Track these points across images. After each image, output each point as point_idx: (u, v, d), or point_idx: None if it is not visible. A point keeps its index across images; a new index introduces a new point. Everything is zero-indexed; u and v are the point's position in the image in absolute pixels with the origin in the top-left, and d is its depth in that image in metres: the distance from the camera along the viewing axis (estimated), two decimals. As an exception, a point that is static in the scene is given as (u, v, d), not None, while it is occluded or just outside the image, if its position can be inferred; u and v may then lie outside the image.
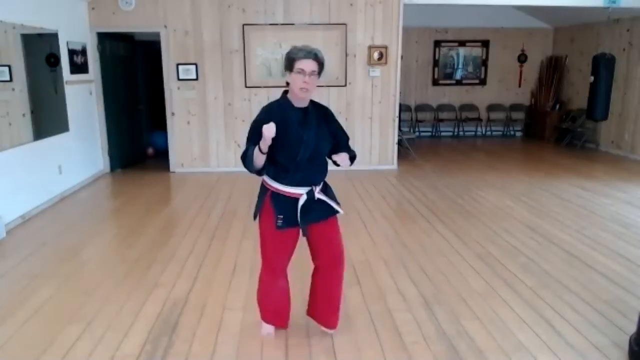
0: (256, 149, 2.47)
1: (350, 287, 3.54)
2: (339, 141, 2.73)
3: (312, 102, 2.65)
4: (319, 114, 2.65)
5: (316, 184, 2.64)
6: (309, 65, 2.47)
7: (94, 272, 3.87)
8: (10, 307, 3.26)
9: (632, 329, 2.74)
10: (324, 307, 2.87)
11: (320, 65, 2.52)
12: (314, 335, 2.89)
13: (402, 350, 2.75)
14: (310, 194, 2.60)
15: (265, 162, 2.52)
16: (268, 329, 2.90)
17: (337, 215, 2.76)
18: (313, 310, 2.92)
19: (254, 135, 2.50)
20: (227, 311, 3.20)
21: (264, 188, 2.68)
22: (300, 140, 2.52)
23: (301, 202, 2.59)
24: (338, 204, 2.74)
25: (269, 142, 2.40)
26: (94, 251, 4.32)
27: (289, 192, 2.59)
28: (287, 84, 2.56)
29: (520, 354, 2.71)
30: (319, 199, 2.64)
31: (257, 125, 2.50)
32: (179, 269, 3.87)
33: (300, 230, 2.65)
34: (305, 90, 2.49)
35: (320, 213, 2.67)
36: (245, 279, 3.67)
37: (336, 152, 2.68)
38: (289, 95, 2.59)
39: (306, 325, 2.97)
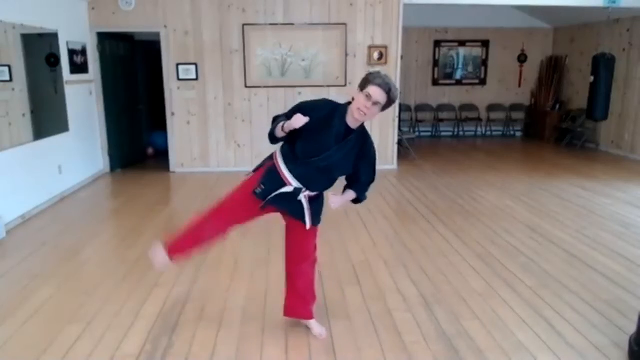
0: (280, 125, 2.51)
1: (350, 287, 3.54)
2: (360, 176, 2.70)
3: (363, 128, 2.63)
4: (360, 141, 2.61)
5: (310, 190, 2.65)
6: (378, 95, 2.45)
7: (94, 272, 3.88)
8: (10, 307, 3.26)
9: (632, 329, 2.74)
10: (292, 298, 2.91)
11: (389, 101, 2.49)
12: (314, 336, 2.89)
13: (402, 350, 2.75)
14: (297, 191, 2.62)
15: (285, 139, 2.58)
16: (165, 259, 2.79)
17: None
18: (287, 306, 2.95)
19: (292, 113, 2.54)
20: (227, 311, 3.20)
21: (270, 158, 2.72)
22: (326, 149, 2.52)
23: (285, 189, 2.61)
24: (317, 218, 2.74)
25: (291, 128, 2.44)
26: (94, 251, 4.32)
27: (283, 175, 2.61)
28: (353, 99, 2.53)
29: (520, 354, 2.71)
30: (300, 201, 2.65)
31: (299, 108, 2.55)
32: (179, 269, 3.87)
33: (261, 205, 2.65)
34: (361, 114, 2.48)
35: (293, 209, 2.68)
36: (245, 279, 3.67)
37: (353, 182, 2.72)
38: (349, 108, 2.56)
39: (306, 325, 2.97)
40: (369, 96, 2.45)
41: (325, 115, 2.53)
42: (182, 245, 2.82)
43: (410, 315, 3.13)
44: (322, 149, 2.52)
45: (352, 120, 2.54)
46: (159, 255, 2.79)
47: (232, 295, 3.42)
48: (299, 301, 2.91)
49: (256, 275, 3.75)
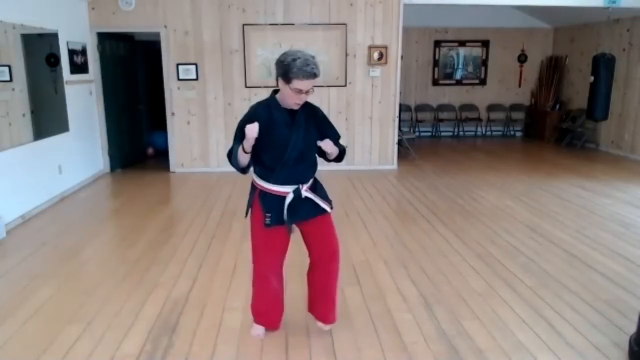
0: (240, 148, 2.49)
1: (350, 287, 3.54)
2: (327, 137, 2.67)
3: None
4: (307, 113, 2.61)
5: (304, 182, 2.63)
6: (308, 85, 2.44)
7: (94, 272, 3.87)
8: (10, 307, 3.26)
9: (632, 329, 2.74)
10: (320, 302, 2.87)
11: (317, 77, 2.48)
12: (314, 335, 2.89)
13: (402, 350, 2.75)
14: (297, 192, 2.60)
15: (251, 161, 2.56)
16: (258, 330, 2.89)
17: (330, 211, 2.75)
18: (311, 307, 2.93)
19: (240, 134, 2.51)
20: (227, 311, 3.20)
21: (253, 187, 2.71)
22: (286, 141, 2.51)
23: (288, 200, 2.59)
24: (329, 201, 2.73)
25: (252, 142, 2.42)
26: (94, 251, 4.32)
27: (275, 191, 2.60)
28: (278, 88, 2.53)
29: (520, 354, 2.71)
30: (307, 197, 2.63)
31: (242, 125, 2.51)
32: (179, 269, 3.88)
33: (287, 229, 2.65)
34: (298, 104, 2.50)
35: (308, 211, 2.66)
36: (245, 279, 3.66)
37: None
38: (278, 96, 2.56)
39: (306, 325, 2.97)
40: (299, 91, 2.44)
41: (264, 116, 2.51)
42: (261, 311, 2.87)
43: (410, 315, 3.13)
44: (284, 143, 2.51)
45: (290, 106, 2.53)
46: (252, 330, 2.90)
47: (232, 295, 3.42)
48: (330, 305, 2.87)
49: (256, 275, 3.74)
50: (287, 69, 2.41)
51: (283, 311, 2.92)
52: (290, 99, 2.48)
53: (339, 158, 2.75)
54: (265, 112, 2.55)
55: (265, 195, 2.62)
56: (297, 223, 2.69)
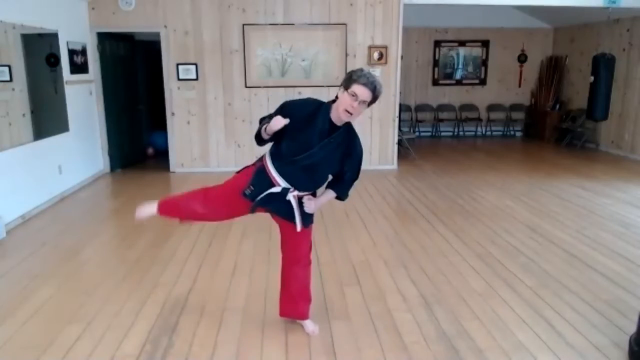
0: (263, 127, 2.54)
1: (350, 287, 3.54)
2: (343, 175, 2.68)
3: (348, 126, 2.60)
4: (345, 139, 2.59)
5: (298, 189, 2.64)
6: (364, 94, 2.44)
7: (94, 272, 3.88)
8: (10, 307, 3.26)
9: (632, 329, 2.74)
10: (284, 298, 2.93)
11: (374, 98, 2.49)
12: (314, 335, 2.89)
13: (402, 350, 2.75)
14: (284, 191, 2.61)
15: (271, 140, 2.60)
16: (149, 208, 2.87)
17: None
18: (282, 307, 2.97)
19: (275, 113, 2.54)
20: (227, 311, 3.20)
21: (260, 159, 2.73)
22: (309, 147, 2.51)
23: (273, 190, 2.61)
24: (308, 220, 2.73)
25: (272, 130, 2.46)
26: (94, 251, 4.32)
27: (271, 175, 2.61)
28: (337, 97, 2.52)
29: (520, 354, 2.71)
30: (289, 202, 2.64)
31: (282, 108, 2.56)
32: (179, 269, 3.88)
33: (251, 207, 2.67)
34: (348, 114, 2.47)
35: (282, 210, 2.68)
36: (245, 279, 3.67)
37: (336, 180, 2.72)
38: (333, 105, 2.55)
39: (301, 325, 2.97)
40: (354, 95, 2.43)
41: (309, 114, 2.53)
42: (170, 207, 2.91)
43: (410, 315, 3.13)
44: (306, 147, 2.51)
45: (337, 118, 2.53)
46: (148, 206, 2.88)
47: (232, 295, 3.42)
48: (292, 303, 2.92)
49: (256, 275, 3.75)
50: (352, 76, 2.47)
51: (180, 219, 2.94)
52: (343, 104, 2.46)
53: (338, 199, 2.79)
54: (313, 109, 2.56)
55: (262, 172, 2.64)
56: (266, 211, 2.72)
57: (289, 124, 2.45)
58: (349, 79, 2.47)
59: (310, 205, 2.66)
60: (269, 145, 2.71)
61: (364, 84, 2.42)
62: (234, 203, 2.72)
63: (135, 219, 2.89)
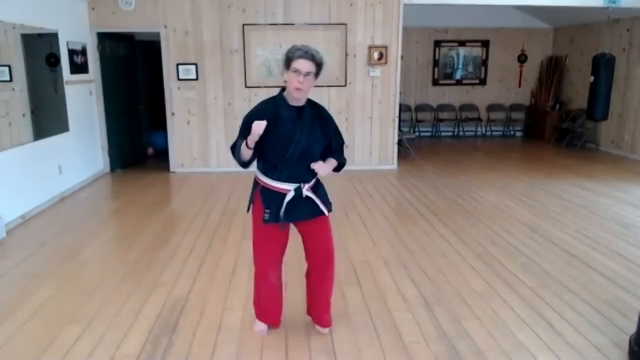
0: (244, 143, 2.51)
1: (350, 287, 3.54)
2: (331, 143, 2.71)
3: (309, 101, 2.66)
4: (315, 114, 2.65)
5: (306, 182, 2.64)
6: (305, 65, 2.48)
7: (94, 272, 3.87)
8: (10, 307, 3.26)
9: (632, 329, 2.74)
10: (316, 305, 2.90)
11: (318, 66, 2.52)
12: (314, 335, 2.89)
13: (402, 350, 2.75)
14: (298, 190, 2.61)
15: (255, 156, 2.59)
16: (260, 326, 2.91)
17: (329, 214, 2.76)
18: (309, 309, 2.96)
19: (244, 129, 2.54)
20: (227, 311, 3.20)
21: (255, 182, 2.72)
22: (290, 138, 2.53)
23: (288, 198, 2.60)
24: (329, 203, 2.75)
25: (256, 138, 2.45)
26: (94, 251, 4.32)
27: (277, 188, 2.61)
28: (285, 82, 2.56)
29: (520, 354, 2.71)
30: (307, 197, 2.64)
31: (248, 120, 2.55)
32: (179, 269, 3.88)
33: (281, 226, 2.65)
34: (299, 90, 2.50)
35: (307, 211, 2.67)
36: (245, 279, 3.66)
37: (327, 153, 2.71)
38: (285, 93, 2.59)
39: (306, 325, 2.97)
40: (297, 71, 2.47)
41: (271, 112, 2.54)
42: (261, 307, 2.89)
43: (410, 315, 3.13)
44: (288, 140, 2.53)
45: (295, 99, 2.56)
46: (255, 326, 2.92)
47: (232, 295, 3.42)
48: (324, 309, 2.89)
49: (256, 275, 3.74)
50: (287, 55, 2.53)
51: (282, 307, 2.92)
52: (291, 84, 2.50)
53: (336, 170, 2.77)
54: (271, 108, 2.57)
55: (266, 191, 2.64)
56: (294, 223, 2.70)
57: (263, 131, 2.43)
58: (286, 59, 2.52)
59: (320, 165, 2.60)
60: (252, 168, 2.71)
61: (301, 56, 2.48)
62: (270, 235, 2.69)
63: (262, 335, 2.90)
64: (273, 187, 2.61)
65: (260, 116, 2.48)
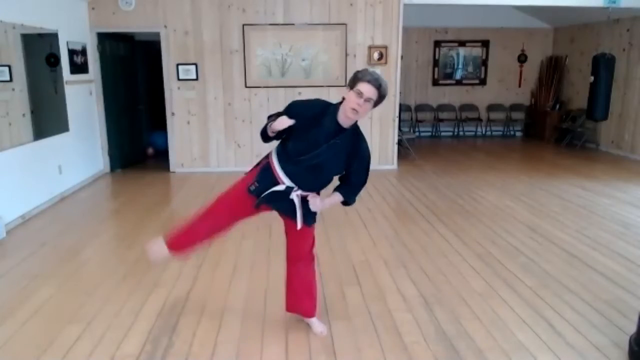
0: (269, 125, 2.56)
1: (350, 287, 3.54)
2: (350, 177, 2.68)
3: (355, 128, 2.62)
4: (352, 141, 2.60)
5: (301, 188, 2.65)
6: (369, 91, 2.46)
7: (94, 272, 3.88)
8: (10, 307, 3.26)
9: (632, 329, 2.74)
10: (291, 294, 2.95)
11: (380, 97, 2.52)
12: (314, 335, 2.90)
13: (402, 350, 2.75)
14: (288, 189, 2.63)
15: (278, 138, 2.62)
16: (163, 250, 2.89)
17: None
18: (288, 302, 2.99)
19: (285, 111, 2.57)
20: (227, 311, 3.20)
21: (266, 156, 2.75)
22: (314, 147, 2.52)
23: (277, 188, 2.63)
24: (310, 218, 2.74)
25: (276, 130, 2.49)
26: (94, 251, 4.32)
27: (276, 173, 2.63)
28: (343, 98, 2.54)
29: (520, 354, 2.71)
30: (292, 200, 2.65)
31: (291, 107, 2.60)
32: (179, 269, 3.87)
33: (257, 204, 2.68)
34: (355, 112, 2.48)
35: (284, 208, 2.70)
36: (245, 279, 3.67)
37: (344, 183, 2.72)
38: (340, 107, 2.56)
39: (306, 325, 2.97)
40: (360, 93, 2.46)
41: (316, 114, 2.55)
42: (181, 241, 2.90)
43: (410, 315, 3.13)
44: (312, 147, 2.52)
45: (344, 118, 2.54)
46: (157, 246, 2.90)
47: (232, 295, 3.42)
48: (296, 299, 2.94)
49: (256, 275, 3.75)
50: (357, 75, 2.52)
51: (191, 252, 2.95)
52: (349, 103, 2.47)
53: (344, 204, 2.79)
54: (320, 110, 2.57)
55: (267, 169, 2.66)
56: (270, 209, 2.73)
57: (296, 123, 2.47)
58: (354, 78, 2.51)
59: (315, 202, 2.65)
60: (274, 143, 2.72)
61: (369, 81, 2.46)
62: (239, 204, 2.74)
63: (150, 260, 2.89)
64: (274, 170, 2.64)
65: (306, 110, 2.53)
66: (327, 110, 2.57)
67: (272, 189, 2.63)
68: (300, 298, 2.93)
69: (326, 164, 2.57)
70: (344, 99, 2.53)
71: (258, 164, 2.77)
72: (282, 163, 2.62)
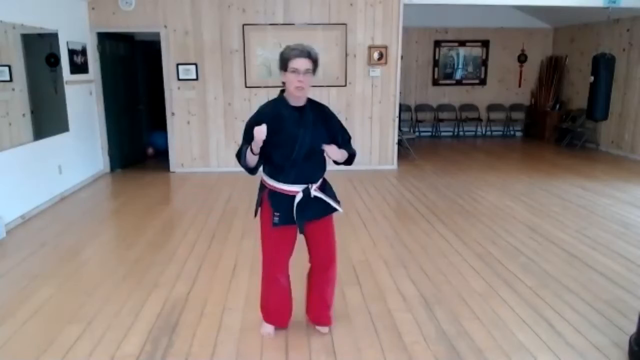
0: (248, 150, 2.50)
1: (350, 287, 3.54)
2: (338, 140, 2.70)
3: (310, 100, 2.65)
4: (317, 112, 2.64)
5: (313, 182, 2.64)
6: (302, 63, 2.47)
7: (94, 272, 3.87)
8: (10, 307, 3.26)
9: (632, 329, 2.74)
10: (316, 306, 2.90)
11: (314, 63, 2.51)
12: (314, 335, 2.89)
13: (402, 350, 2.75)
14: (306, 191, 2.61)
15: (261, 161, 2.57)
16: (268, 328, 2.91)
17: (335, 214, 2.76)
18: (308, 309, 2.96)
19: (247, 135, 2.54)
20: (227, 311, 3.20)
21: (262, 186, 2.71)
22: (294, 139, 2.53)
23: (297, 199, 2.60)
24: (337, 202, 2.74)
25: (260, 143, 2.43)
26: (94, 251, 4.32)
27: (285, 190, 2.60)
28: (284, 83, 2.55)
29: (520, 354, 2.71)
30: (315, 197, 2.64)
31: (249, 126, 2.54)
32: (179, 269, 3.87)
33: (298, 228, 2.65)
34: (300, 88, 2.50)
35: (317, 211, 2.68)
36: (245, 279, 3.67)
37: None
38: (285, 95, 2.59)
39: (306, 325, 2.97)
40: (296, 70, 2.46)
41: (272, 115, 2.54)
42: (270, 309, 2.89)
43: (410, 315, 3.13)
44: (292, 141, 2.53)
45: (295, 99, 2.55)
46: (262, 328, 2.91)
47: (232, 295, 3.42)
48: (325, 308, 2.90)
49: (256, 275, 3.73)
50: (282, 56, 2.51)
51: (292, 309, 2.92)
52: (291, 84, 2.49)
53: (349, 161, 2.76)
54: (273, 110, 2.58)
55: (274, 194, 2.63)
56: (310, 222, 2.68)
57: (267, 134, 2.41)
58: (282, 59, 2.51)
59: (331, 148, 2.57)
60: (259, 173, 2.71)
61: (297, 56, 2.46)
62: (279, 239, 2.69)
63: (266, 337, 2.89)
64: (281, 189, 2.61)
65: (261, 120, 2.47)
66: (277, 105, 2.59)
67: (295, 203, 2.59)
68: (330, 307, 2.90)
69: (313, 144, 2.56)
70: (284, 83, 2.54)
71: (260, 200, 2.71)
72: (282, 178, 2.60)
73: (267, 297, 2.87)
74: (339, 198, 2.79)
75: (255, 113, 2.64)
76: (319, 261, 2.81)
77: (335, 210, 2.72)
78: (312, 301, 2.92)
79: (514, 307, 3.22)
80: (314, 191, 2.63)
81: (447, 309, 3.20)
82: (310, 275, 2.88)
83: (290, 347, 2.80)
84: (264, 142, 2.44)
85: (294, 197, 2.60)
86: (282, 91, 2.61)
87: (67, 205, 5.75)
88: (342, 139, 2.73)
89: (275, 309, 2.88)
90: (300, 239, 2.77)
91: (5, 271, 3.86)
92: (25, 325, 3.03)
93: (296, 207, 2.60)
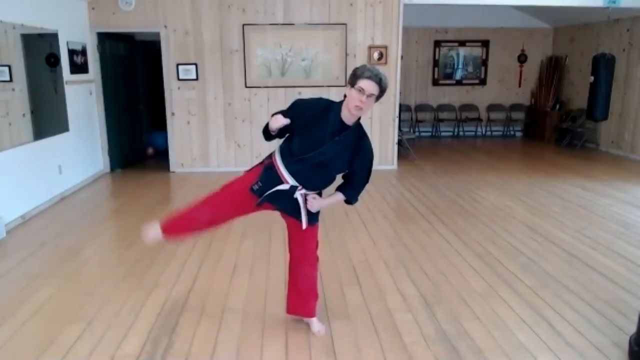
0: (269, 123, 2.57)
1: (350, 287, 3.54)
2: (352, 176, 2.69)
3: (358, 125, 2.62)
4: (356, 140, 2.61)
5: (306, 189, 2.66)
6: (371, 87, 2.45)
7: (94, 272, 3.88)
8: (10, 307, 3.26)
9: (632, 329, 2.74)
10: (291, 295, 2.96)
11: (382, 91, 2.50)
12: (314, 335, 2.89)
13: (402, 350, 2.75)
14: (292, 189, 2.64)
15: (281, 135, 2.63)
16: (157, 233, 2.91)
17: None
18: (290, 305, 3.00)
19: (290, 109, 2.59)
20: (227, 311, 3.20)
21: (270, 156, 2.75)
22: (319, 145, 2.53)
23: (281, 187, 2.63)
24: (314, 217, 2.75)
25: (272, 128, 2.52)
26: (94, 251, 4.32)
27: (280, 172, 2.63)
28: (345, 96, 2.54)
29: (520, 354, 2.71)
30: (296, 199, 2.67)
31: (295, 104, 2.62)
32: (179, 269, 3.88)
33: (257, 200, 2.68)
34: (359, 108, 2.48)
35: (289, 209, 2.72)
36: (245, 279, 3.67)
37: (346, 182, 2.73)
38: (343, 104, 2.57)
39: (306, 325, 2.97)
40: (361, 90, 2.45)
41: (320, 112, 2.56)
42: (175, 227, 2.94)
43: (410, 315, 3.13)
44: (317, 144, 2.53)
45: (348, 116, 2.54)
46: (152, 229, 2.92)
47: (232, 295, 3.42)
48: (300, 300, 2.94)
49: (256, 275, 3.75)
50: (356, 72, 2.50)
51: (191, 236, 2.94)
52: (352, 101, 2.48)
53: (347, 203, 2.80)
54: (324, 108, 2.58)
55: (271, 169, 2.66)
56: (272, 208, 2.74)
57: (298, 122, 2.49)
58: (354, 75, 2.50)
59: (313, 203, 2.68)
60: (275, 144, 2.73)
61: (369, 78, 2.45)
62: (241, 200, 2.74)
63: (144, 240, 2.92)
64: (278, 169, 2.63)
65: (310, 108, 2.55)
66: (330, 108, 2.58)
67: (276, 187, 2.63)
68: (305, 299, 2.92)
69: (330, 161, 2.58)
70: (345, 96, 2.54)
71: (261, 163, 2.77)
72: (286, 162, 2.62)
73: (184, 221, 2.91)
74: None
75: (310, 100, 2.66)
76: (292, 255, 2.91)
77: (300, 219, 2.72)
78: (289, 292, 2.99)
79: (514, 307, 3.22)
80: (299, 195, 2.66)
81: (447, 309, 3.20)
82: (289, 267, 2.97)
83: (290, 347, 2.80)
84: (297, 125, 2.50)
85: (281, 183, 2.63)
86: (343, 101, 2.58)
87: (67, 205, 5.75)
88: (358, 178, 2.70)
89: (180, 231, 2.95)
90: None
91: (5, 271, 3.86)
92: (25, 325, 3.03)
93: (275, 191, 2.63)
